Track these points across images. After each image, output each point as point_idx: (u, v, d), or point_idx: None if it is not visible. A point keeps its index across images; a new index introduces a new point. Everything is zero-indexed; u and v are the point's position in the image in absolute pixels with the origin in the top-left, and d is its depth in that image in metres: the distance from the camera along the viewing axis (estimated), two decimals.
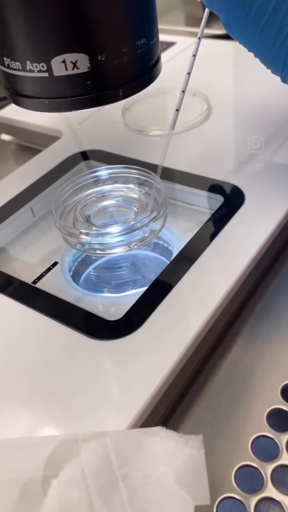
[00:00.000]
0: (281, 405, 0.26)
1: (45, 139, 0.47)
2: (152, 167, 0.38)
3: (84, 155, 0.42)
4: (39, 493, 0.20)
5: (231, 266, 0.29)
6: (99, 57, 0.22)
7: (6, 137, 0.52)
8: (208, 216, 0.34)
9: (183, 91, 0.30)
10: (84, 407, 0.24)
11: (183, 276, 0.29)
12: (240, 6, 0.25)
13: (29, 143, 0.51)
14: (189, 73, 0.30)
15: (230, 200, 0.35)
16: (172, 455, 0.21)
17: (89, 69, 0.23)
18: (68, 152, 0.42)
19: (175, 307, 0.28)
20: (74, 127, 0.46)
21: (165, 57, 0.55)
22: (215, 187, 0.36)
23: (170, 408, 0.27)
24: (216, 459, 0.25)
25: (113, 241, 0.31)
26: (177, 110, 0.31)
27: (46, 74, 0.23)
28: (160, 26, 0.26)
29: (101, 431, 0.21)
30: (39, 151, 0.48)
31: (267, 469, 0.24)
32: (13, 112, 0.50)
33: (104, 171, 0.36)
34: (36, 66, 0.23)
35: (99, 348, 0.26)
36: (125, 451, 0.21)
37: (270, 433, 0.25)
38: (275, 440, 0.25)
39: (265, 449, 0.25)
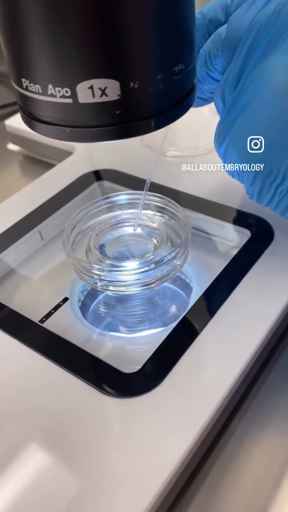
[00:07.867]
0: None
1: (56, 153, 0.44)
2: (169, 191, 0.35)
3: (97, 175, 0.39)
4: None
5: (261, 316, 0.27)
6: (132, 84, 0.19)
7: (13, 147, 0.49)
8: (232, 250, 0.31)
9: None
10: (91, 487, 0.21)
11: (206, 325, 0.26)
12: None
13: (38, 155, 0.48)
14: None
15: (258, 236, 0.32)
16: None
17: (119, 97, 0.19)
18: (81, 171, 0.39)
19: (199, 361, 0.25)
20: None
21: None
22: (241, 219, 0.33)
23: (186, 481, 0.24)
24: None
25: (129, 279, 0.28)
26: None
27: (70, 100, 0.20)
28: None
29: None
30: (48, 164, 0.45)
31: None
32: (22, 121, 0.47)
33: (121, 197, 0.33)
34: (59, 91, 0.20)
35: (111, 407, 0.23)
36: None
37: None
38: None
39: None
